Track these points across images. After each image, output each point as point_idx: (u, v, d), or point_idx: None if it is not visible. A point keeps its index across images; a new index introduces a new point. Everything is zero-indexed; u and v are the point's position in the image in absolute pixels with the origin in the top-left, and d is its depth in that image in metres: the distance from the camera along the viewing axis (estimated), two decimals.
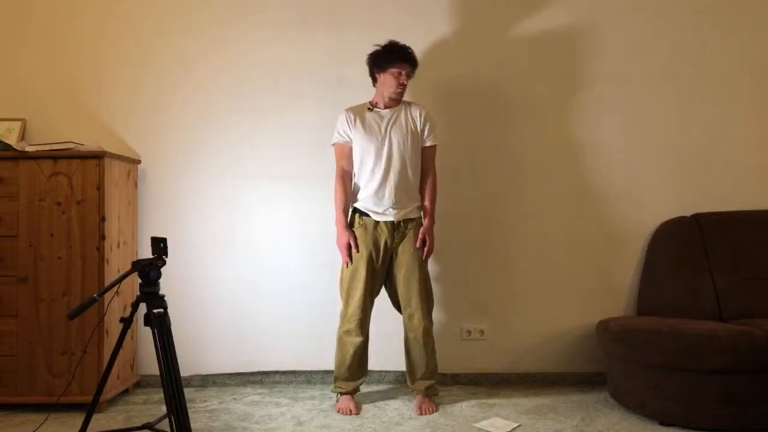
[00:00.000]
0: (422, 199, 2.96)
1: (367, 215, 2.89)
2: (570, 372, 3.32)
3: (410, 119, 2.92)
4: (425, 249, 2.90)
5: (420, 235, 2.89)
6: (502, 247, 3.35)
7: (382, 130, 2.89)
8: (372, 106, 2.95)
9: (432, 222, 2.94)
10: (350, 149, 2.95)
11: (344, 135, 2.94)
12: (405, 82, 2.89)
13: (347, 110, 2.97)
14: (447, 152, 3.26)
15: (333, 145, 2.99)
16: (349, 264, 2.89)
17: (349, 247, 2.88)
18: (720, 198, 3.28)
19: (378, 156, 2.87)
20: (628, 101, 3.34)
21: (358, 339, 2.89)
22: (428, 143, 2.95)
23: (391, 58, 2.86)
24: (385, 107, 2.93)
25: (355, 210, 2.94)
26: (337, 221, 2.93)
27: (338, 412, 2.86)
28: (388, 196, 2.86)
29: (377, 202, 2.87)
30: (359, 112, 2.94)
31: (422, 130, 2.93)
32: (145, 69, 3.36)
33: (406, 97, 3.01)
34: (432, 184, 2.97)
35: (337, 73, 3.33)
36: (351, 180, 2.98)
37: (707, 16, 3.33)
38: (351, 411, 2.85)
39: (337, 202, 2.94)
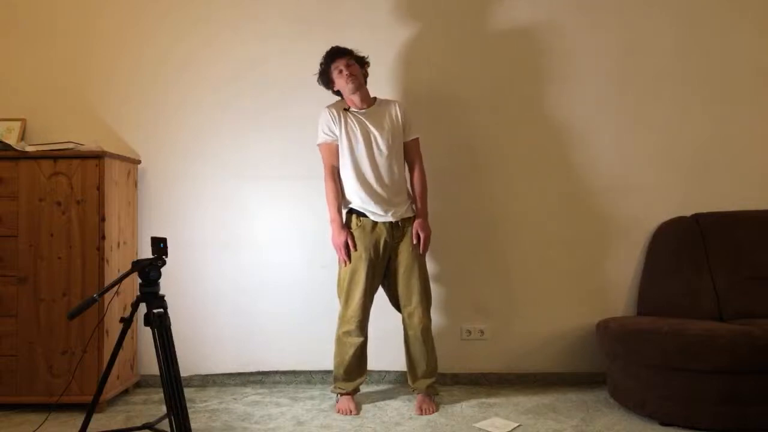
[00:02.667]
0: (413, 194, 2.96)
1: (365, 215, 2.89)
2: (570, 372, 3.32)
3: (389, 117, 2.92)
4: (422, 242, 2.89)
5: (413, 230, 2.89)
6: (502, 247, 3.35)
7: (364, 131, 2.87)
8: (348, 107, 2.94)
9: (424, 215, 2.94)
10: (338, 146, 2.91)
11: (330, 133, 2.91)
12: (349, 72, 2.86)
13: (329, 108, 2.94)
14: (446, 152, 3.27)
15: (319, 145, 2.95)
16: (347, 263, 2.89)
17: (347, 246, 2.87)
18: (720, 198, 3.28)
19: (363, 158, 2.85)
20: (627, 101, 3.34)
21: (358, 339, 2.89)
22: (411, 137, 2.96)
23: (325, 63, 2.91)
24: (361, 108, 2.92)
25: (352, 210, 2.93)
26: (332, 220, 2.91)
27: (338, 412, 2.86)
28: (380, 197, 2.85)
29: (372, 203, 2.86)
30: (339, 111, 2.93)
31: (404, 125, 2.93)
32: (145, 69, 3.36)
33: (392, 97, 3.08)
34: (420, 178, 2.97)
35: None
36: (340, 177, 2.95)
37: (708, 16, 3.33)
38: (351, 411, 2.85)
39: (330, 200, 2.91)
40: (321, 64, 2.94)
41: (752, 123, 3.32)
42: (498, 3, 3.35)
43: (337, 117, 2.90)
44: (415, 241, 2.88)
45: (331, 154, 2.93)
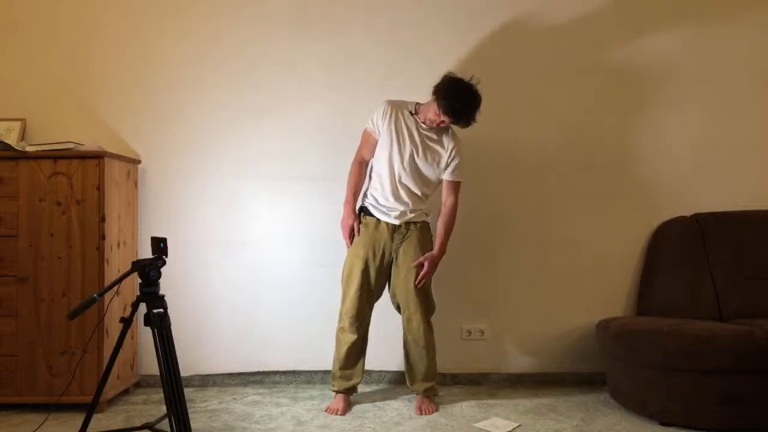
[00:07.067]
0: (437, 230, 2.90)
1: (371, 214, 2.89)
2: (570, 372, 3.32)
3: (441, 145, 2.85)
4: (421, 273, 2.83)
5: (421, 259, 2.84)
6: (502, 247, 3.35)
7: (410, 141, 2.83)
8: (415, 111, 2.87)
9: (441, 253, 2.88)
10: (376, 141, 2.90)
11: (375, 126, 2.89)
12: (437, 126, 2.80)
13: (389, 103, 2.88)
14: None
15: (364, 129, 2.94)
16: (349, 245, 2.91)
17: (352, 229, 2.89)
18: (720, 198, 3.28)
19: (395, 164, 2.83)
20: (627, 101, 3.34)
21: (352, 337, 2.89)
22: (449, 177, 2.88)
23: (444, 102, 2.70)
24: (424, 123, 2.84)
25: (362, 208, 2.94)
26: (345, 202, 2.93)
27: (326, 410, 2.87)
28: (393, 201, 2.85)
29: (383, 201, 2.86)
30: (399, 111, 2.86)
31: (447, 164, 2.85)
32: (145, 69, 3.35)
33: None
34: (447, 217, 2.89)
35: (337, 73, 3.33)
36: (367, 167, 2.96)
37: (708, 15, 3.33)
38: (337, 411, 2.84)
39: (350, 183, 2.93)
40: (441, 90, 2.72)
41: (752, 123, 3.32)
42: (496, 4, 3.36)
43: (389, 115, 2.85)
44: (413, 265, 2.84)
45: (367, 143, 2.93)
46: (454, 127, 2.88)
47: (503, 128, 3.35)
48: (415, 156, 2.83)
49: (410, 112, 2.87)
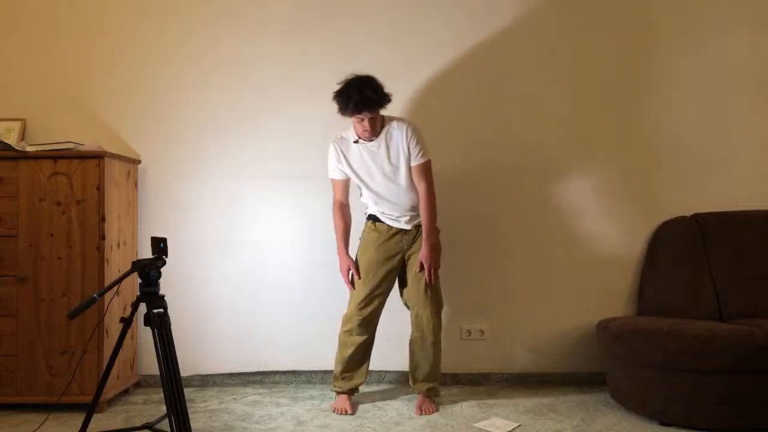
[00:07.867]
0: (422, 221, 2.89)
1: (381, 221, 2.92)
2: (570, 372, 3.32)
3: (396, 142, 2.83)
4: (426, 273, 2.84)
5: (417, 262, 2.86)
6: (502, 247, 3.35)
7: (375, 167, 2.85)
8: (358, 138, 2.85)
9: (430, 243, 2.85)
10: (345, 182, 2.95)
11: (337, 171, 2.92)
12: (368, 127, 2.75)
13: (335, 144, 2.90)
14: (446, 152, 3.26)
15: (330, 178, 2.97)
16: (352, 289, 2.92)
17: (350, 272, 2.92)
18: (720, 198, 3.28)
19: (373, 186, 2.87)
20: (627, 100, 3.34)
21: (360, 339, 2.90)
22: (416, 162, 2.84)
23: (345, 109, 2.71)
24: (370, 139, 2.83)
25: (370, 216, 2.96)
26: (337, 250, 2.96)
27: (333, 410, 2.87)
28: (393, 215, 2.89)
29: (390, 216, 2.90)
30: (346, 148, 2.88)
31: (408, 150, 2.82)
32: (145, 69, 3.36)
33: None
34: (425, 203, 2.84)
35: (337, 74, 3.32)
36: (348, 208, 3.00)
37: (707, 16, 3.33)
38: (346, 411, 2.85)
39: (337, 230, 2.97)
40: (338, 103, 2.73)
41: (752, 123, 3.32)
42: (496, 4, 3.36)
43: (343, 155, 2.87)
44: (417, 270, 2.86)
45: (338, 189, 2.97)
46: (390, 115, 2.87)
47: (503, 128, 3.35)
48: (389, 174, 2.85)
49: (354, 141, 2.86)
